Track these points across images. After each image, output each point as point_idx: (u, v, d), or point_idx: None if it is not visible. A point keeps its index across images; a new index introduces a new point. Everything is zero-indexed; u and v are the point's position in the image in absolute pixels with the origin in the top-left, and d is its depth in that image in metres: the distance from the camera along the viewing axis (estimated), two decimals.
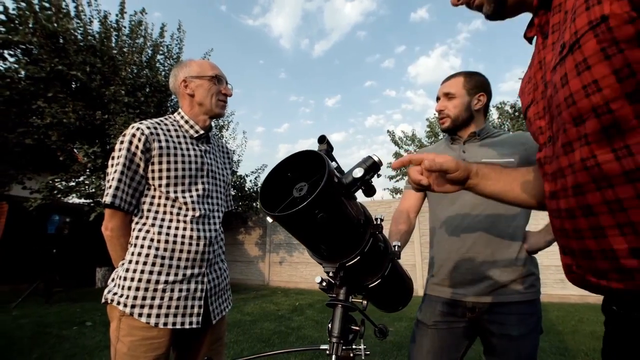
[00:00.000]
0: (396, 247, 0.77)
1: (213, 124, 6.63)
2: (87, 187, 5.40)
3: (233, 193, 8.53)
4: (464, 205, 1.10)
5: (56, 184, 5.11)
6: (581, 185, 0.44)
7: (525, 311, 1.03)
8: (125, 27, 6.15)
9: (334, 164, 0.62)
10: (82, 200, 5.87)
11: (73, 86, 5.31)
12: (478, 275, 1.06)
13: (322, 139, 0.67)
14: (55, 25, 4.92)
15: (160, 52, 6.61)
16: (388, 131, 9.84)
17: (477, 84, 1.17)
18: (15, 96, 4.81)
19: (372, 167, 0.62)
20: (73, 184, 5.45)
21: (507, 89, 25.62)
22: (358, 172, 0.60)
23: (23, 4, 4.96)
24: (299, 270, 8.01)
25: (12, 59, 5.13)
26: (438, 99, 1.21)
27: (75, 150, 4.90)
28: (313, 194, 0.50)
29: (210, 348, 1.09)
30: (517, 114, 7.32)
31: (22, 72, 4.97)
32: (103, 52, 5.48)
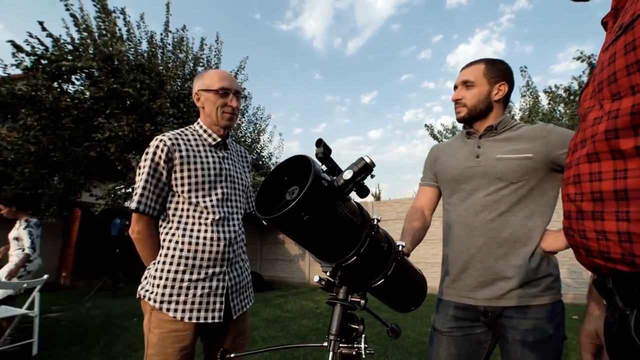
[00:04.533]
0: (400, 246, 0.76)
1: (251, 128, 6.93)
2: None
3: None
4: (476, 203, 1.04)
5: (117, 190, 5.72)
6: (598, 154, 0.48)
7: (542, 315, 0.95)
8: (169, 44, 6.69)
9: (324, 167, 0.64)
10: None
11: (127, 103, 5.89)
12: (490, 277, 1.00)
13: (319, 143, 0.68)
14: (111, 49, 5.51)
15: (201, 64, 7.07)
16: (426, 125, 9.48)
17: (499, 72, 1.09)
18: (81, 115, 5.48)
19: (364, 168, 0.63)
20: (130, 190, 6.06)
21: (560, 71, 22.99)
22: (347, 174, 0.62)
23: (85, 34, 5.64)
24: None
25: (78, 83, 5.85)
26: (456, 87, 1.14)
27: (131, 160, 5.44)
28: (297, 197, 0.53)
29: (233, 342, 1.16)
30: (571, 97, 6.59)
31: (87, 94, 5.65)
32: (150, 69, 6.02)
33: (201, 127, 1.22)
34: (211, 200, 1.13)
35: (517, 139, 1.04)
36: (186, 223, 1.11)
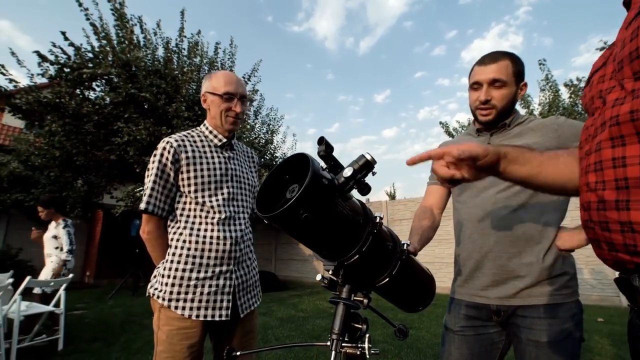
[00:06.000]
0: (405, 245, 0.75)
1: (264, 129, 6.98)
2: None
3: None
4: (487, 200, 1.01)
5: (136, 192, 5.90)
6: (623, 137, 0.45)
7: (557, 315, 0.91)
8: (184, 49, 6.85)
9: (324, 165, 0.64)
10: None
11: (145, 107, 6.07)
12: (502, 276, 0.97)
13: (321, 141, 0.68)
14: (128, 55, 5.69)
15: (215, 67, 7.19)
16: (441, 123, 9.25)
17: (522, 70, 1.02)
18: (102, 120, 5.69)
19: (364, 165, 0.62)
20: None
21: (582, 64, 22.15)
22: (347, 172, 0.61)
23: (104, 42, 5.85)
24: None
25: (98, 89, 6.08)
26: (477, 84, 1.02)
27: (148, 163, 5.59)
28: (295, 195, 0.53)
29: (241, 340, 1.17)
30: None
31: (107, 99, 5.86)
32: (166, 74, 6.18)
33: (207, 128, 1.25)
34: (217, 200, 1.15)
35: (527, 133, 1.01)
36: (193, 222, 1.13)
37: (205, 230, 1.13)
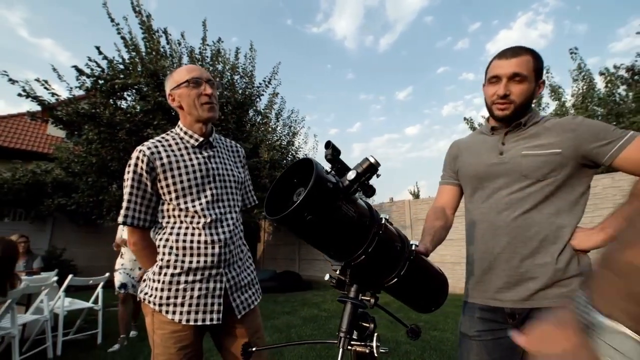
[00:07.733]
0: (413, 245, 0.76)
1: (286, 131, 7.03)
2: None
3: None
4: (499, 201, 0.99)
5: None
6: None
7: None
8: (207, 57, 7.11)
9: (329, 168, 0.66)
10: None
11: (172, 113, 6.37)
12: (515, 277, 0.94)
13: (328, 145, 0.71)
14: (156, 65, 5.99)
15: (236, 72, 7.41)
16: (465, 119, 8.97)
17: (542, 67, 0.99)
18: (133, 127, 6.03)
19: (368, 168, 0.64)
20: None
21: (621, 49, 20.36)
22: (351, 175, 0.63)
23: (133, 53, 6.21)
24: None
25: (129, 99, 6.45)
26: (496, 78, 0.99)
27: None
28: (300, 199, 0.56)
29: (250, 341, 1.14)
30: (636, 77, 5.80)
31: (137, 108, 6.20)
32: None
33: (181, 129, 1.19)
34: (200, 204, 1.11)
35: (544, 134, 0.97)
36: (179, 228, 1.10)
37: (192, 235, 1.09)
